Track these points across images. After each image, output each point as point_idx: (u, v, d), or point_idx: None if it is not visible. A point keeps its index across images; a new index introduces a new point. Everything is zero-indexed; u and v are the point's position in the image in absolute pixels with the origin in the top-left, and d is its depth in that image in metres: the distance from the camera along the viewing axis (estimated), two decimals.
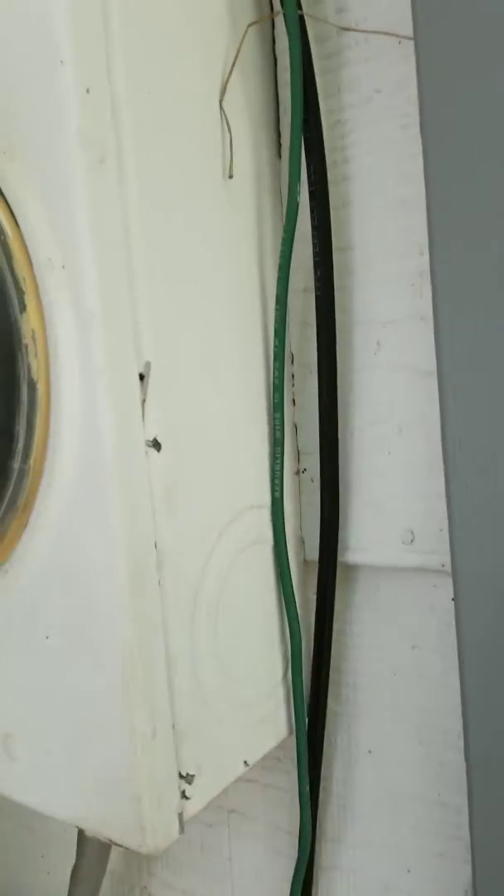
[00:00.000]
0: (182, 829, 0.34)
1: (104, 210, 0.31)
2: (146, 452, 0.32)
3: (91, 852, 0.42)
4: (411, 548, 0.40)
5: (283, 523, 0.40)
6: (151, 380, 0.33)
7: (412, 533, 0.40)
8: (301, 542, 0.43)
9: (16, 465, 0.33)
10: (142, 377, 0.32)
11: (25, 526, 0.34)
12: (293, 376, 0.43)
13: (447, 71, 0.34)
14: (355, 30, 0.37)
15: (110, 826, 0.33)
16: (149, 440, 0.33)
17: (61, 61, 0.30)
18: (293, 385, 0.43)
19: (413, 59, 0.36)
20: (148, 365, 0.33)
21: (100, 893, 0.46)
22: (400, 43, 0.36)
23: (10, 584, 0.35)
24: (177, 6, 0.35)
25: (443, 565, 0.40)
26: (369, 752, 0.44)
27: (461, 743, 0.41)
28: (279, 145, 0.42)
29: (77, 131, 0.30)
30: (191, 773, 0.34)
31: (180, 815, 0.33)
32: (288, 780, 0.47)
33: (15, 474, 0.33)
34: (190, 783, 0.34)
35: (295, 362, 0.43)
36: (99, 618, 0.32)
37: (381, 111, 0.38)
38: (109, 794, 0.33)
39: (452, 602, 0.40)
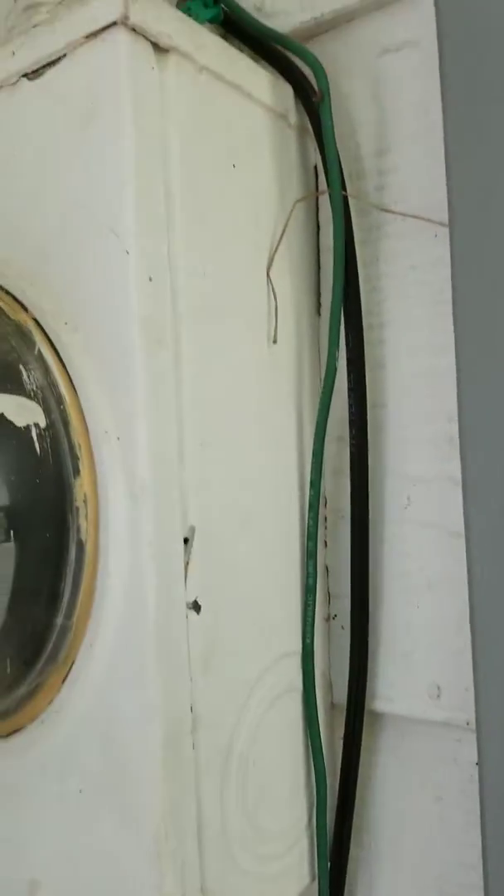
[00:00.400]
0: None
1: (160, 388, 0.33)
2: (186, 615, 0.34)
3: None
4: (438, 703, 0.41)
5: (312, 670, 0.41)
6: (195, 543, 0.34)
7: (438, 688, 0.40)
8: (329, 685, 0.44)
9: (59, 621, 0.34)
10: (186, 541, 0.34)
11: (64, 680, 0.34)
12: (325, 519, 0.44)
13: (480, 260, 0.37)
14: (393, 212, 0.40)
15: None
16: (189, 602, 0.34)
17: (126, 251, 0.32)
18: (325, 528, 0.44)
19: (447, 244, 0.39)
20: (192, 529, 0.34)
21: None
22: (436, 236, 0.39)
23: (47, 735, 0.35)
24: (233, 189, 0.38)
25: (468, 723, 0.40)
26: None
27: None
28: (318, 306, 0.45)
29: (138, 317, 0.32)
30: None
31: None
32: None
33: (57, 630, 0.34)
34: None
35: (327, 506, 0.44)
36: (133, 778, 0.32)
37: (415, 286, 0.41)
38: None
39: (474, 755, 0.40)
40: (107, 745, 0.33)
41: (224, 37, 0.46)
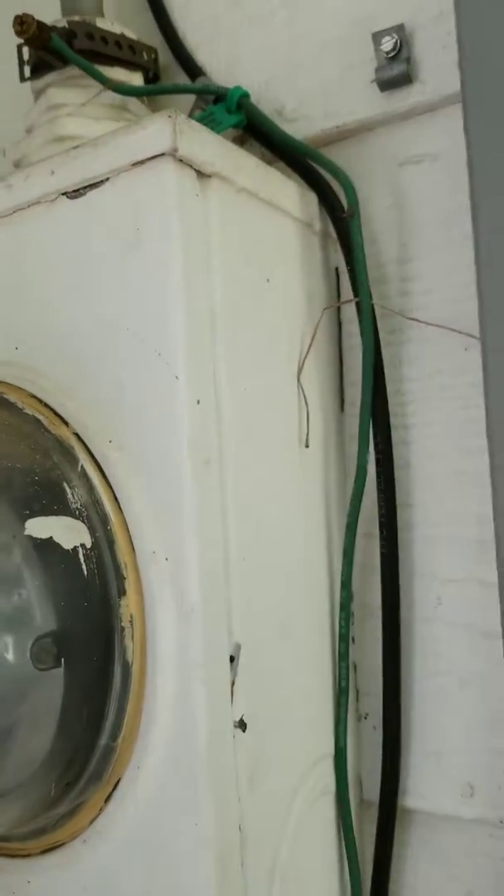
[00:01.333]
0: None
1: (208, 508, 0.33)
2: (234, 734, 0.34)
3: None
4: (470, 801, 0.41)
5: (346, 770, 0.41)
6: (240, 659, 0.34)
7: (471, 787, 0.41)
8: (359, 782, 0.44)
9: (102, 741, 0.33)
10: (232, 659, 0.34)
11: (108, 799, 0.34)
12: (352, 614, 0.44)
13: None
14: (419, 321, 0.42)
15: None
16: (236, 721, 0.34)
17: (176, 377, 0.33)
18: (353, 623, 0.44)
19: (473, 351, 0.40)
20: (238, 647, 0.34)
21: None
22: (467, 349, 0.41)
23: (88, 854, 0.35)
24: (268, 303, 0.39)
25: (501, 821, 0.40)
26: None
27: None
28: (342, 402, 0.46)
29: (188, 439, 0.33)
30: None
31: None
32: None
33: (101, 750, 0.33)
34: None
35: (354, 601, 0.45)
36: None
37: (441, 390, 0.42)
38: None
39: None
40: (153, 866, 0.33)
41: (242, 138, 0.48)
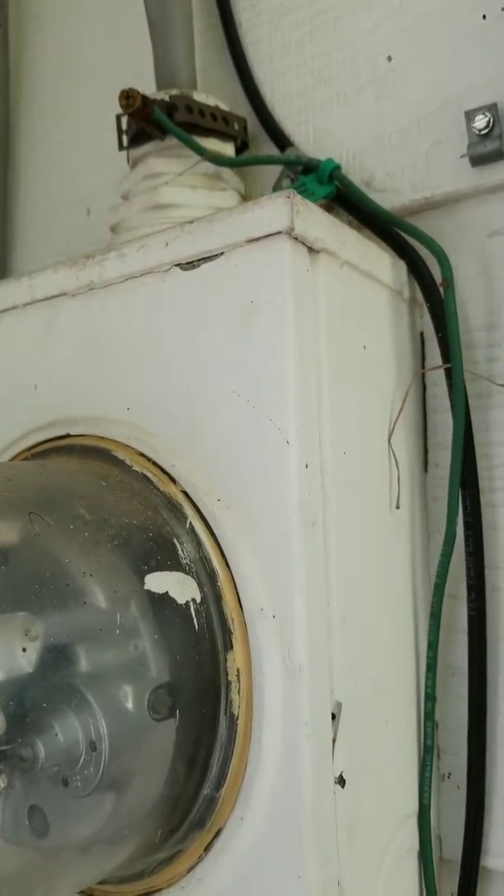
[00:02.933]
0: None
1: (314, 568, 0.35)
2: (334, 791, 0.35)
3: None
4: None
5: (430, 828, 0.41)
6: (341, 717, 0.35)
7: None
8: (440, 840, 0.44)
9: (206, 791, 0.35)
10: (333, 716, 0.35)
11: (208, 847, 0.35)
12: (436, 677, 0.45)
13: None
14: None
15: None
16: (336, 777, 0.35)
17: (287, 441, 0.35)
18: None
19: None
20: (339, 705, 0.35)
21: None
22: None
23: None
24: (365, 369, 0.41)
25: None
26: None
27: None
28: (426, 463, 0.47)
29: (298, 502, 0.34)
30: None
31: None
32: None
33: (203, 799, 0.35)
34: None
35: (438, 661, 0.45)
36: None
37: None
38: None
39: None
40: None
41: (328, 205, 0.50)
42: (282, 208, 0.35)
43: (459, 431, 0.42)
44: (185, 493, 0.37)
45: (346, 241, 0.39)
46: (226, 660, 0.35)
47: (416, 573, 0.44)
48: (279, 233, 0.36)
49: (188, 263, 0.39)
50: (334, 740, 0.35)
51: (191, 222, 0.39)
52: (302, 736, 0.33)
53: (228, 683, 0.35)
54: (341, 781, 0.35)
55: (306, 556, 0.34)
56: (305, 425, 0.35)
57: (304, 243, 0.36)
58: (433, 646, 0.42)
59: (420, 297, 0.46)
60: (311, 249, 0.37)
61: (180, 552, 0.35)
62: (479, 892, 0.43)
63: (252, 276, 0.36)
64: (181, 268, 0.39)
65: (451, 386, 0.43)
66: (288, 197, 0.36)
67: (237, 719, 0.34)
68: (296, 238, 0.36)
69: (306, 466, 0.35)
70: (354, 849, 0.35)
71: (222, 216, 0.38)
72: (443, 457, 0.45)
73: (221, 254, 0.38)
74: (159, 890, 0.36)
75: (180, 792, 0.34)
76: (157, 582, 0.34)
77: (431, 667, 0.42)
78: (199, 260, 0.38)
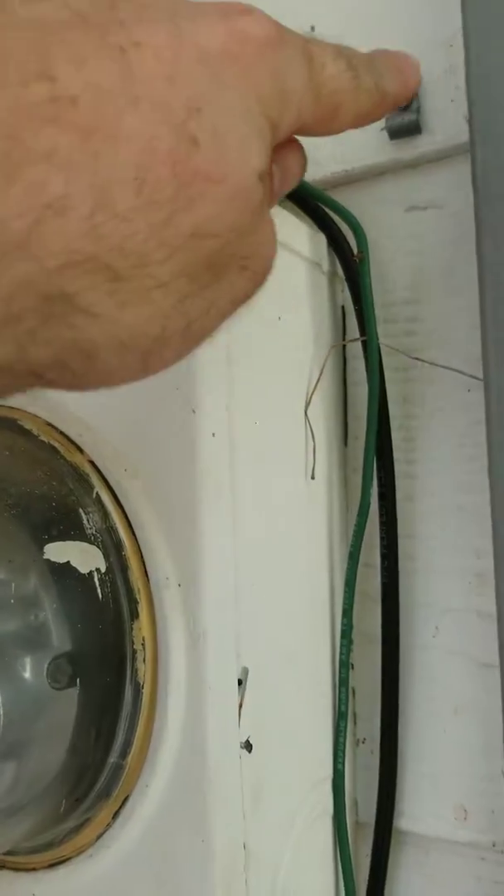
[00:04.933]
0: None
1: (220, 536, 0.35)
2: (240, 755, 0.35)
3: None
4: (464, 824, 0.42)
5: (343, 793, 0.42)
6: (247, 683, 0.36)
7: (465, 810, 0.42)
8: (355, 804, 0.45)
9: (112, 759, 0.35)
10: (240, 682, 0.35)
11: (115, 815, 0.35)
12: (352, 641, 0.46)
13: None
14: (424, 361, 0.44)
15: None
16: (242, 742, 0.35)
17: (193, 410, 0.35)
18: (352, 650, 0.46)
19: (475, 392, 0.42)
20: (245, 671, 0.36)
21: None
22: (469, 390, 0.43)
23: (94, 869, 0.36)
24: (279, 340, 0.41)
25: (494, 844, 0.42)
26: None
27: None
28: (345, 437, 0.47)
29: (202, 470, 0.34)
30: None
31: None
32: None
33: (109, 768, 0.35)
34: None
35: (354, 629, 0.46)
36: None
37: (442, 428, 0.44)
38: None
39: (499, 876, 0.42)
40: (158, 882, 0.34)
41: None
42: None
43: (374, 403, 0.43)
44: (93, 463, 0.37)
45: None
46: (131, 629, 0.35)
47: (333, 543, 0.44)
48: None
49: None
50: (241, 706, 0.35)
51: None
52: (206, 702, 0.33)
53: (134, 653, 0.35)
54: (248, 746, 0.35)
55: (211, 524, 0.34)
56: (212, 394, 0.35)
57: None
58: (347, 613, 0.42)
59: (340, 270, 0.46)
60: None
61: (86, 522, 0.35)
62: (394, 854, 0.44)
63: None
64: None
65: (367, 359, 0.43)
66: None
67: (142, 687, 0.34)
68: None
69: (213, 435, 0.35)
70: (261, 813, 0.36)
71: None
72: (362, 430, 0.46)
73: None
74: (68, 859, 0.36)
75: (85, 761, 0.34)
76: (58, 551, 0.33)
77: (346, 634, 0.43)
78: None
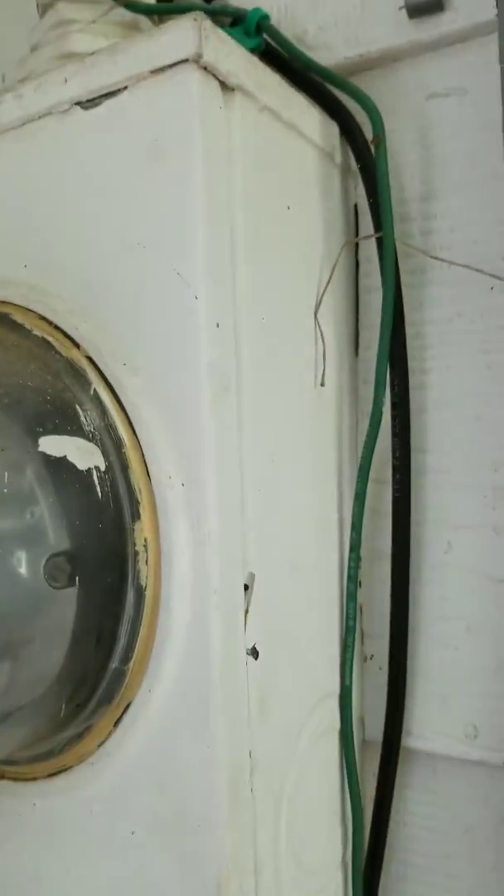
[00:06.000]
0: None
1: (225, 434, 0.33)
2: (246, 662, 0.33)
3: None
4: (474, 742, 0.41)
5: (350, 709, 0.41)
6: (253, 589, 0.34)
7: (475, 728, 0.41)
8: (362, 722, 0.44)
9: (114, 664, 0.33)
10: (246, 587, 0.33)
11: (117, 723, 0.34)
12: (361, 558, 0.44)
13: None
14: (442, 259, 0.41)
15: None
16: (248, 649, 0.33)
17: (196, 297, 0.32)
18: (361, 567, 0.44)
19: (497, 294, 0.39)
20: (252, 576, 0.34)
21: None
22: (492, 289, 0.40)
23: (96, 777, 0.34)
24: (288, 231, 0.38)
25: None
26: None
27: None
28: (356, 346, 0.45)
29: (207, 363, 0.32)
30: None
31: None
32: None
33: (111, 673, 0.33)
34: None
35: (364, 546, 0.44)
36: (193, 824, 0.32)
37: (461, 334, 0.41)
38: None
39: None
40: (162, 790, 0.33)
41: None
42: (188, 32, 0.32)
43: (389, 304, 0.40)
44: (90, 359, 0.34)
45: (265, 84, 0.36)
46: (133, 530, 0.33)
47: (342, 455, 0.42)
48: (185, 60, 0.32)
49: (89, 101, 0.35)
50: (247, 611, 0.33)
51: (92, 55, 0.35)
52: (211, 605, 0.32)
53: (136, 554, 0.33)
54: (254, 653, 0.34)
55: (216, 421, 0.32)
56: (217, 281, 0.32)
57: (215, 76, 0.33)
58: (356, 527, 0.41)
59: (354, 164, 0.43)
60: (223, 85, 0.33)
61: (83, 419, 0.33)
62: (401, 773, 0.43)
63: (157, 111, 0.33)
64: (82, 107, 0.35)
65: (382, 257, 0.40)
66: (195, 20, 0.32)
67: (145, 590, 0.32)
68: (205, 68, 0.32)
69: (217, 326, 0.32)
70: (267, 722, 0.34)
71: (125, 45, 0.34)
72: (374, 339, 0.43)
73: (124, 88, 0.34)
74: (69, 767, 0.35)
75: (86, 666, 0.32)
76: (54, 444, 0.31)
77: (354, 548, 0.41)
78: (101, 96, 0.34)
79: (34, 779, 0.35)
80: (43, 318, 0.35)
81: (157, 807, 0.33)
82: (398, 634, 0.41)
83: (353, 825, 0.41)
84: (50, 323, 0.35)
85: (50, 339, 0.34)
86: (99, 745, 0.34)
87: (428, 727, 0.42)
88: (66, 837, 0.35)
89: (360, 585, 0.44)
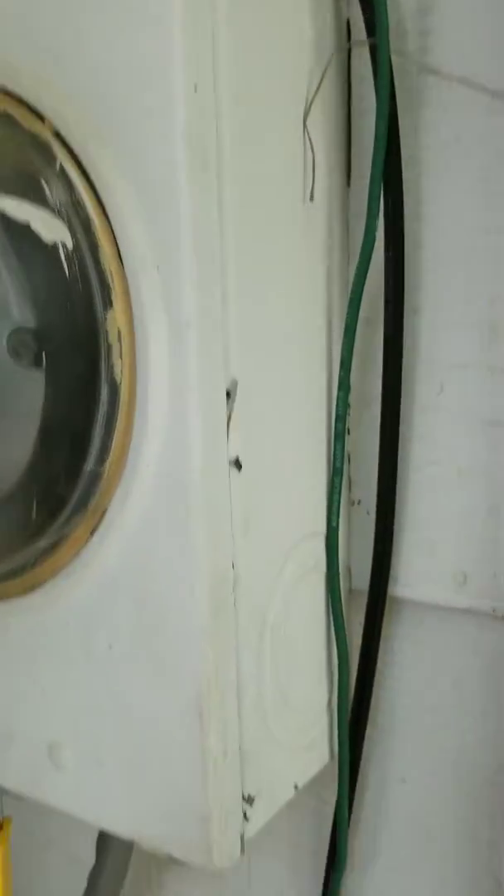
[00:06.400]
0: (243, 850, 0.32)
1: (205, 215, 0.30)
2: (228, 472, 0.31)
3: (113, 860, 0.41)
4: (462, 590, 0.39)
5: (337, 552, 0.39)
6: (237, 397, 0.31)
7: (465, 575, 0.39)
8: (348, 571, 0.42)
9: (88, 467, 0.30)
10: (228, 394, 0.31)
11: (93, 531, 0.31)
12: (350, 405, 0.42)
13: None
14: (441, 76, 0.38)
15: (172, 843, 0.32)
16: (231, 459, 0.31)
17: (171, 54, 0.28)
18: (350, 414, 0.42)
19: (499, 117, 0.37)
20: (234, 382, 0.31)
21: None
22: (491, 113, 0.37)
23: (72, 590, 0.32)
24: (274, 31, 0.34)
25: (493, 610, 0.39)
26: (403, 780, 0.43)
27: (498, 778, 0.40)
28: (348, 176, 0.42)
29: (184, 129, 0.29)
30: (252, 794, 0.33)
31: (242, 837, 0.32)
32: (316, 801, 0.46)
33: (86, 476, 0.30)
34: (251, 805, 0.33)
35: (353, 392, 0.42)
36: (173, 635, 0.30)
37: (458, 159, 0.39)
38: (174, 812, 0.31)
39: (496, 646, 0.40)
40: (142, 600, 0.31)
41: None
42: None
43: (382, 121, 0.37)
44: (56, 133, 0.30)
45: None
46: (105, 320, 0.29)
47: (332, 289, 0.39)
48: None
49: None
50: (229, 419, 0.31)
51: None
52: (191, 404, 0.29)
53: (109, 347, 0.30)
54: (237, 464, 0.31)
55: (194, 201, 0.29)
56: (195, 39, 0.29)
57: None
58: (345, 364, 0.38)
59: None
60: None
61: (48, 194, 0.29)
62: (387, 623, 0.41)
63: None
64: None
65: (376, 70, 0.37)
66: None
67: (119, 385, 0.30)
68: None
69: (195, 89, 0.29)
70: (251, 540, 0.32)
71: None
72: (366, 168, 0.40)
73: None
74: (44, 582, 0.33)
75: (59, 466, 0.30)
76: (17, 208, 0.28)
77: (343, 385, 0.38)
78: None
79: (7, 597, 0.33)
80: (5, 92, 0.31)
81: (135, 620, 0.31)
82: (387, 480, 0.39)
83: (338, 671, 0.39)
84: (10, 95, 0.31)
85: (11, 111, 0.31)
86: (74, 557, 0.31)
87: (416, 575, 0.40)
88: (42, 655, 0.33)
89: (349, 433, 0.42)
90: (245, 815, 0.33)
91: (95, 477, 0.30)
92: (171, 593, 0.30)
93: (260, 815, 0.34)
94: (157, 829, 0.32)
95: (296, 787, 0.37)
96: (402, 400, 0.40)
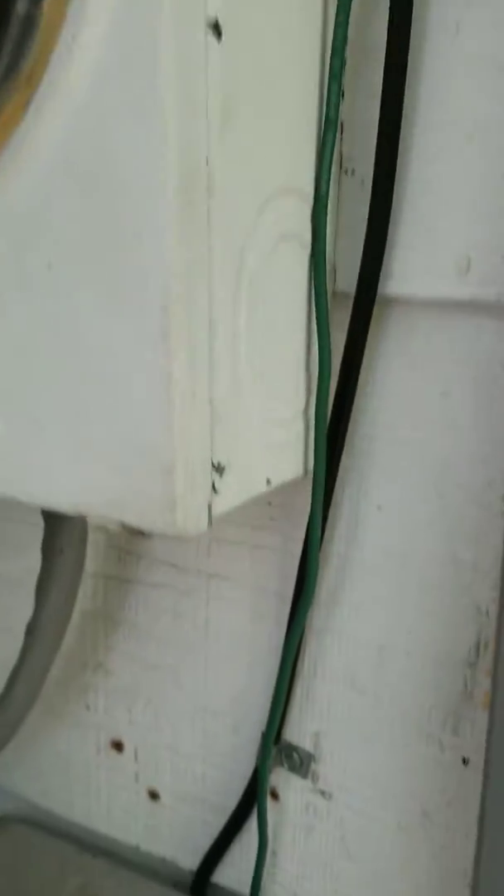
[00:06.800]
0: (210, 524, 0.28)
1: None
2: (206, 36, 0.25)
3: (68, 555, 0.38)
4: (465, 278, 0.35)
5: (325, 225, 0.33)
6: None
7: (469, 260, 0.35)
8: (333, 270, 0.37)
9: (20, 8, 0.23)
10: None
11: (28, 103, 0.25)
12: (345, 59, 0.35)
13: None
14: None
15: (126, 507, 0.27)
16: (210, 20, 0.25)
17: None
18: (345, 78, 0.35)
19: None
20: None
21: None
22: None
23: (1, 191, 0.26)
24: None
25: (498, 299, 0.35)
26: (379, 507, 0.40)
27: (482, 496, 0.37)
28: None
29: None
30: (222, 463, 0.28)
31: (210, 507, 0.27)
32: (281, 540, 0.43)
33: (16, 24, 0.23)
34: (220, 475, 0.28)
35: (349, 41, 0.35)
36: (132, 241, 0.24)
37: None
38: (129, 465, 0.26)
39: (493, 347, 0.36)
40: (93, 195, 0.25)
41: None
42: None
43: None
44: None
45: None
46: None
47: None
48: None
49: None
50: None
51: None
52: None
53: None
54: (216, 30, 0.25)
55: None
56: None
57: None
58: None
59: None
60: None
61: None
62: (374, 326, 0.36)
63: None
64: None
65: None
66: None
67: None
68: None
69: None
70: (229, 142, 0.26)
71: None
72: None
73: None
74: None
75: None
76: None
77: (342, 8, 0.32)
78: None
79: None
80: None
81: (82, 223, 0.25)
82: (387, 141, 0.33)
83: (318, 376, 0.35)
84: None
85: None
86: (3, 142, 0.25)
87: (412, 266, 0.35)
88: None
89: (342, 96, 0.35)
90: (214, 486, 0.29)
91: (30, 23, 0.23)
92: (127, 185, 0.24)
93: (230, 494, 0.30)
94: (111, 492, 0.28)
95: (268, 481, 0.34)
96: (411, 49, 0.33)
